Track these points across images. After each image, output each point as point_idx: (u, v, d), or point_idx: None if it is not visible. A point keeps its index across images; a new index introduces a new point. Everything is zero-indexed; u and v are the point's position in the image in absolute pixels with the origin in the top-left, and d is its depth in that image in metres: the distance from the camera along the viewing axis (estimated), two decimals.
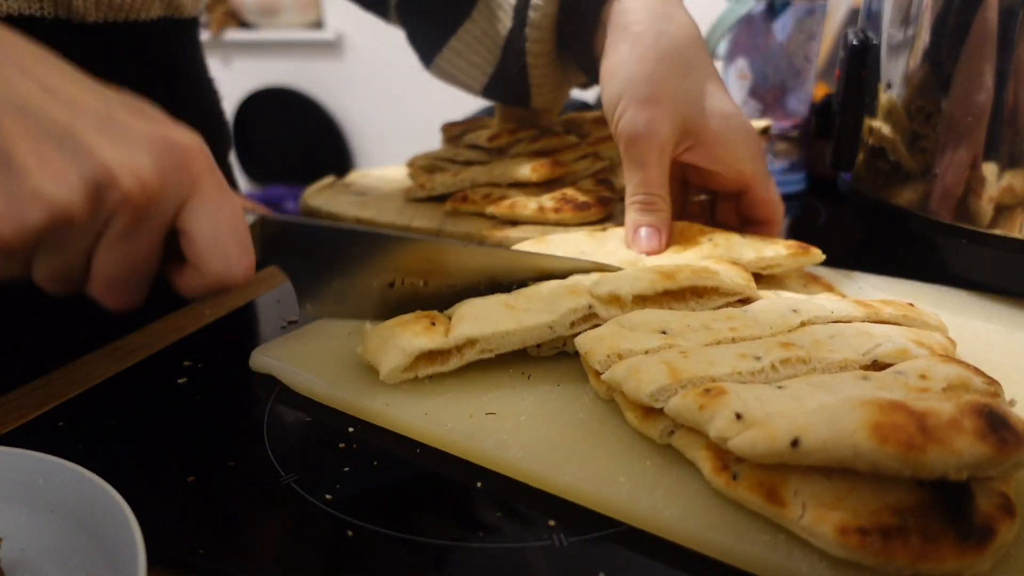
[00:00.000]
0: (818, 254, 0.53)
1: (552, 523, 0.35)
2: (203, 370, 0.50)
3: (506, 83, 0.70)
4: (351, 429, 0.42)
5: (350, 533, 0.34)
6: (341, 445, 0.41)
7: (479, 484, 0.38)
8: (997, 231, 0.53)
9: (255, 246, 0.39)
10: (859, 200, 0.66)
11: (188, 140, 0.36)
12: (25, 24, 0.53)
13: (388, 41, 1.33)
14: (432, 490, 0.38)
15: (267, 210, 0.42)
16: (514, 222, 0.68)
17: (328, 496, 0.37)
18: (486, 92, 0.74)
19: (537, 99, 0.71)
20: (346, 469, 0.39)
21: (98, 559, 0.32)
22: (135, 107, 0.36)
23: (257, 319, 0.60)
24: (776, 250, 0.53)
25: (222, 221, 0.36)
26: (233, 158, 0.85)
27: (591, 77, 0.66)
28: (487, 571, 0.32)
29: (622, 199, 0.71)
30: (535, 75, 0.67)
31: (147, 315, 0.58)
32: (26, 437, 0.43)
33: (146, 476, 0.39)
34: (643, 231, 0.55)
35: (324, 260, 0.46)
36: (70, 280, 0.36)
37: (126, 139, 0.33)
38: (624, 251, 0.56)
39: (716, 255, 0.52)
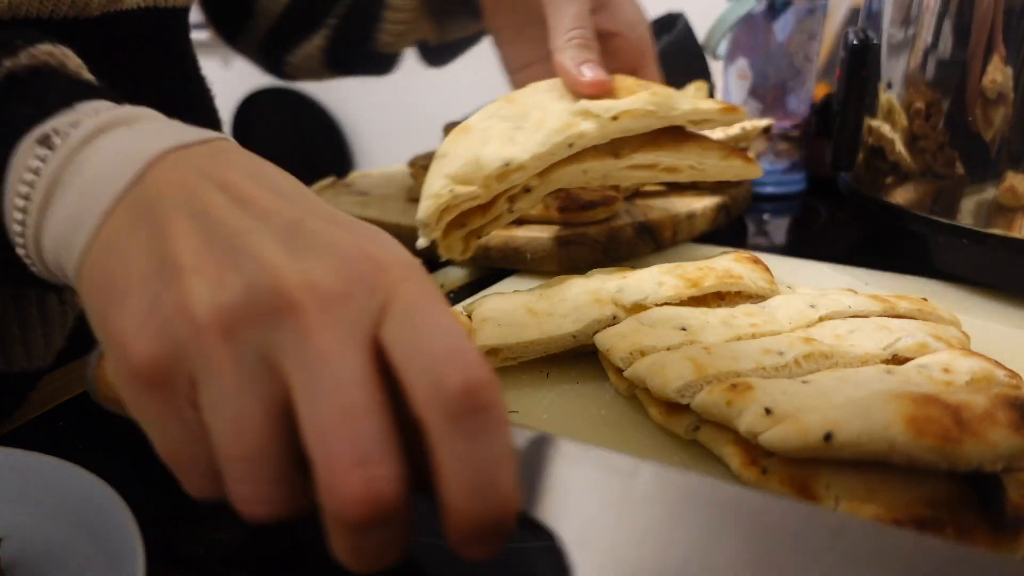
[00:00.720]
0: (743, 113, 0.52)
1: None
2: None
3: None
4: None
5: None
6: None
7: None
8: (997, 231, 0.53)
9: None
10: (859, 200, 0.66)
11: (388, 252, 0.28)
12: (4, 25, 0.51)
13: None
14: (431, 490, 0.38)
15: None
16: (519, 221, 0.68)
17: None
18: None
19: None
20: None
21: (98, 559, 0.32)
22: (338, 219, 0.29)
23: None
24: (710, 105, 0.51)
25: (429, 328, 0.26)
26: None
27: None
28: (487, 571, 0.32)
29: (627, 198, 0.71)
30: None
31: None
32: (26, 437, 0.43)
33: (146, 476, 0.39)
34: (587, 67, 0.52)
35: None
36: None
37: (309, 247, 0.27)
38: (559, 102, 0.51)
39: (656, 103, 0.49)
